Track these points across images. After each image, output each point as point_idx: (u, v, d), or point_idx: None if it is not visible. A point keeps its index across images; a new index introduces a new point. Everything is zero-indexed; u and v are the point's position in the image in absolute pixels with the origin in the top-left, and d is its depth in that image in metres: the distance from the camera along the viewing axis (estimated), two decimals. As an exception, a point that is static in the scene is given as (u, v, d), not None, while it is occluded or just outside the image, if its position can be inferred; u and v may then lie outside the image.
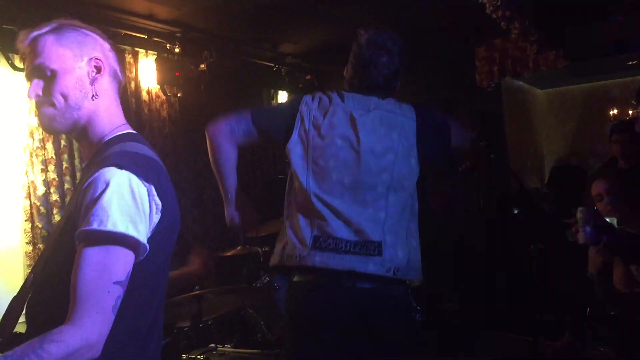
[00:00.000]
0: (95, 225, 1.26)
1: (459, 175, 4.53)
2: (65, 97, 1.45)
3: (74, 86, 1.46)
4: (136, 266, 1.32)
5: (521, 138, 7.36)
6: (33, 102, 1.51)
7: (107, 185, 1.30)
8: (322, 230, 2.08)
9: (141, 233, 1.32)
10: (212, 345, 3.45)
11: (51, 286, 1.38)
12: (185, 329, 3.47)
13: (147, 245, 1.33)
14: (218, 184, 2.39)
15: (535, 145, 8.07)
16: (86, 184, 1.34)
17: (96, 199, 1.29)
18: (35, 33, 1.48)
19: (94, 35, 1.53)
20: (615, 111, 7.52)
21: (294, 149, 2.18)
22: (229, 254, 4.40)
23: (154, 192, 1.37)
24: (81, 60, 1.47)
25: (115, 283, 1.26)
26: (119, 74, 1.58)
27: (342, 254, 2.06)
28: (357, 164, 2.12)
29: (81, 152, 1.61)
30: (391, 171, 2.14)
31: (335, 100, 2.27)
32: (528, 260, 5.45)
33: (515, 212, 5.90)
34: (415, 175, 2.20)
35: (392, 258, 2.07)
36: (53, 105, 1.46)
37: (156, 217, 1.38)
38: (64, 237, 1.38)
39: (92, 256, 1.25)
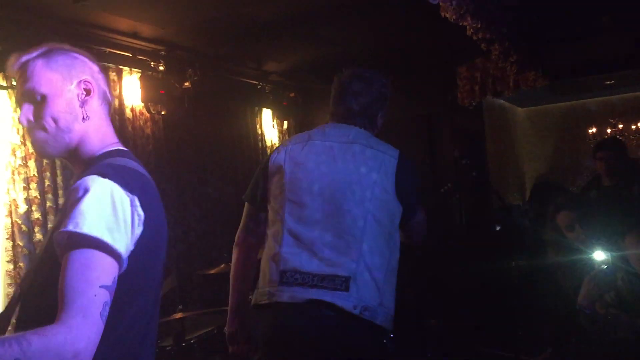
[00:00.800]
0: (70, 227, 1.26)
1: (441, 196, 4.58)
2: (55, 120, 1.46)
3: (64, 109, 1.47)
4: (122, 278, 1.32)
5: (502, 155, 7.46)
6: (18, 125, 1.53)
7: (87, 191, 1.31)
8: (289, 264, 2.08)
9: (117, 242, 1.30)
10: (195, 364, 3.43)
11: (39, 299, 1.37)
12: (168, 349, 3.45)
13: (122, 254, 1.32)
14: None
15: (516, 163, 8.18)
16: (69, 191, 1.35)
17: (75, 204, 1.29)
18: (25, 58, 1.49)
19: (83, 58, 1.55)
20: (594, 129, 7.66)
21: (272, 188, 2.23)
22: (212, 272, 4.38)
23: (137, 203, 1.37)
24: (70, 84, 1.49)
25: (102, 287, 1.24)
26: (108, 95, 1.59)
27: (308, 287, 2.04)
28: (332, 196, 2.11)
29: (73, 172, 1.61)
30: (368, 205, 2.11)
31: (315, 133, 2.30)
32: (509, 276, 5.51)
33: (497, 228, 5.96)
34: (395, 212, 2.18)
35: (360, 296, 2.02)
36: (44, 129, 1.47)
37: (138, 229, 1.37)
38: (50, 251, 1.37)
39: (76, 259, 1.25)
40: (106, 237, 1.28)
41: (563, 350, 3.85)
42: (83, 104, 1.50)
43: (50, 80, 1.47)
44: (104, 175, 1.34)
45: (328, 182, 2.13)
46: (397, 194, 2.16)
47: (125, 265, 1.34)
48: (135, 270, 1.36)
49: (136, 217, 1.36)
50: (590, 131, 7.67)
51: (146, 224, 1.39)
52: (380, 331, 2.10)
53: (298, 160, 2.19)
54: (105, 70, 1.59)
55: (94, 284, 1.23)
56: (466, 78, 5.54)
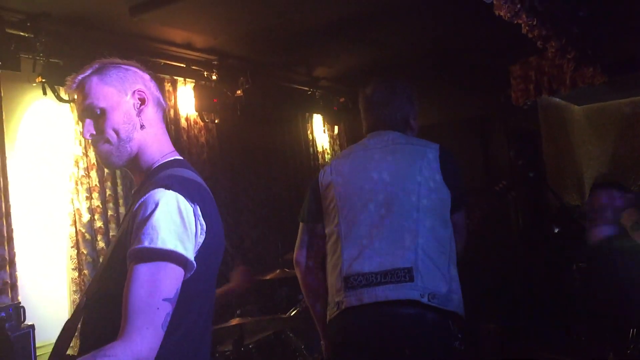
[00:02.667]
0: (146, 244, 1.31)
1: (495, 194, 4.49)
2: (117, 132, 1.53)
3: (123, 120, 1.53)
4: (183, 285, 1.36)
5: (560, 155, 7.25)
6: (88, 140, 1.59)
7: (157, 205, 1.36)
8: (351, 269, 2.13)
9: (189, 251, 1.36)
10: (254, 368, 3.47)
11: (103, 307, 1.42)
12: (227, 353, 3.49)
13: (194, 262, 1.38)
14: None
15: (574, 162, 7.94)
16: (137, 205, 1.40)
17: (146, 219, 1.35)
18: (81, 77, 1.57)
19: (134, 69, 1.61)
20: (656, 126, 7.37)
21: (325, 205, 2.31)
22: (267, 277, 4.42)
23: (199, 213, 1.41)
24: (125, 95, 1.55)
25: (165, 300, 1.30)
26: (162, 101, 1.64)
27: (374, 286, 2.07)
28: (382, 197, 2.17)
29: (133, 180, 1.66)
30: (418, 197, 2.16)
31: (356, 146, 2.41)
32: (570, 279, 5.35)
33: (556, 230, 5.79)
34: (446, 202, 2.21)
35: (425, 284, 2.05)
36: (108, 141, 1.54)
37: (201, 238, 1.42)
38: (115, 259, 1.43)
39: (143, 273, 1.30)
40: (179, 249, 1.33)
41: (625, 356, 3.71)
42: (139, 113, 1.56)
43: (106, 94, 1.53)
44: (168, 187, 1.39)
45: (376, 185, 2.20)
46: (444, 179, 2.21)
47: (193, 270, 1.38)
48: (197, 276, 1.41)
49: (199, 226, 1.41)
50: (652, 128, 7.39)
51: (207, 232, 1.43)
52: (454, 317, 2.12)
53: (345, 173, 2.28)
54: (159, 80, 1.64)
55: (159, 297, 1.29)
56: (520, 77, 5.43)
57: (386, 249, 2.11)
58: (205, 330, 1.52)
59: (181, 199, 1.38)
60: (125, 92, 1.55)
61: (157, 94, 1.63)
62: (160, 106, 1.63)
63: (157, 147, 1.58)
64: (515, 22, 2.94)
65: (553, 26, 3.11)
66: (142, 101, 1.56)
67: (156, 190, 1.39)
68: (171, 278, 1.32)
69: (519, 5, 2.76)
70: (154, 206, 1.36)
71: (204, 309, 1.49)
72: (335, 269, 2.18)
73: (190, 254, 1.36)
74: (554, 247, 5.58)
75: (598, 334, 4.60)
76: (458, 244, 2.28)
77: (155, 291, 1.29)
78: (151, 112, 1.59)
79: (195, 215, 1.40)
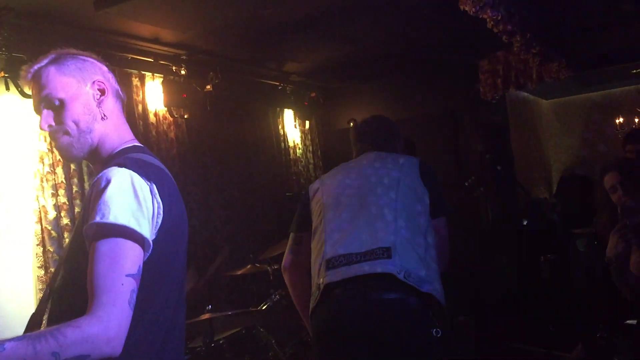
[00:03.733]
0: (97, 219, 1.30)
1: (465, 189, 4.55)
2: (77, 123, 1.51)
3: (83, 111, 1.51)
4: (145, 266, 1.34)
5: (528, 149, 7.36)
6: (46, 132, 1.56)
7: (109, 181, 1.35)
8: (333, 252, 2.22)
9: (143, 227, 1.34)
10: (224, 364, 3.45)
11: (68, 296, 1.41)
12: (197, 349, 3.48)
13: (150, 241, 1.36)
14: None
15: (542, 156, 8.07)
16: (91, 185, 1.40)
17: (99, 195, 1.33)
18: (37, 66, 1.53)
19: (91, 59, 1.59)
20: (621, 119, 7.53)
21: (313, 210, 2.48)
22: (238, 273, 4.41)
23: (156, 191, 1.40)
24: (85, 86, 1.53)
25: (128, 275, 1.28)
26: (121, 93, 1.64)
27: (353, 264, 2.16)
28: (364, 189, 2.35)
29: (93, 171, 1.64)
30: (396, 192, 2.31)
31: (343, 164, 2.62)
32: (539, 271, 5.44)
33: (525, 223, 5.88)
34: (424, 203, 2.34)
35: (403, 263, 2.12)
36: (67, 133, 1.51)
37: (159, 218, 1.40)
38: (75, 247, 1.42)
39: (101, 250, 1.29)
40: (132, 224, 1.32)
41: (594, 344, 3.79)
42: (99, 103, 1.54)
43: (65, 84, 1.51)
44: (121, 165, 1.38)
45: (358, 181, 2.40)
46: (422, 180, 2.37)
47: (150, 250, 1.37)
48: (158, 258, 1.39)
49: (155, 205, 1.40)
50: (617, 121, 7.54)
51: (165, 212, 1.42)
52: (432, 302, 2.15)
53: (331, 181, 2.49)
54: (123, 74, 1.63)
55: (121, 273, 1.27)
56: (488, 72, 5.49)
57: (367, 233, 2.22)
58: (174, 320, 1.49)
59: (135, 176, 1.37)
60: (84, 82, 1.53)
61: (116, 85, 1.62)
62: (119, 97, 1.62)
63: (117, 136, 1.57)
64: (481, 17, 2.97)
65: (517, 21, 3.15)
66: (102, 92, 1.55)
67: (109, 168, 1.38)
68: (130, 253, 1.31)
69: (483, 0, 2.78)
70: (106, 182, 1.35)
71: (171, 297, 1.47)
72: (319, 256, 2.28)
73: (145, 230, 1.34)
74: (523, 240, 5.68)
75: (567, 324, 4.70)
76: (441, 253, 2.34)
77: (116, 266, 1.27)
78: (111, 103, 1.57)
79: (152, 193, 1.39)
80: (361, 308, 2.12)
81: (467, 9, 2.85)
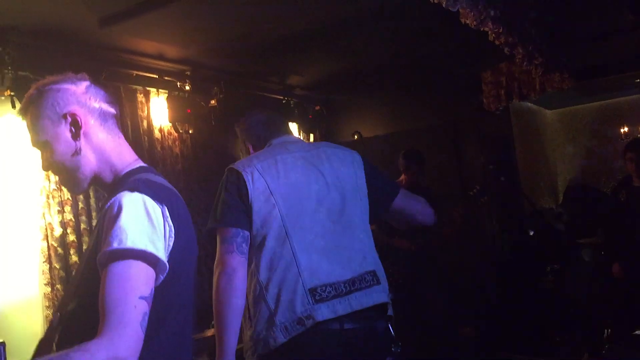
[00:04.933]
0: (115, 245, 1.28)
1: (469, 200, 4.54)
2: (62, 163, 1.50)
3: (64, 151, 1.49)
4: (158, 289, 1.34)
5: (533, 159, 7.35)
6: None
7: (122, 207, 1.33)
8: (316, 281, 1.97)
9: (159, 250, 1.33)
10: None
11: (80, 320, 1.39)
12: (203, 365, 3.47)
13: (167, 263, 1.35)
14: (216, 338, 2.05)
15: (547, 166, 8.05)
16: (103, 211, 1.38)
17: (113, 222, 1.32)
18: (22, 109, 1.53)
19: (65, 85, 1.51)
20: (626, 129, 7.52)
21: (259, 212, 2.08)
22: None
23: (167, 214, 1.39)
24: (59, 123, 1.48)
25: (141, 298, 1.26)
26: (109, 109, 1.55)
27: (344, 296, 1.98)
28: (329, 202, 2.11)
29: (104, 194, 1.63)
30: (359, 203, 2.19)
31: (275, 150, 2.24)
32: (544, 281, 5.42)
33: (531, 233, 5.87)
34: (367, 207, 2.23)
35: (385, 285, 2.09)
36: (60, 172, 1.53)
37: (170, 240, 1.40)
38: (88, 272, 1.40)
39: (116, 272, 1.27)
40: (150, 248, 1.31)
41: (601, 354, 3.77)
42: (76, 137, 1.48)
43: (43, 127, 1.49)
44: (133, 190, 1.37)
45: (322, 192, 2.12)
46: (367, 184, 2.23)
47: (166, 272, 1.36)
48: (169, 280, 1.38)
49: (167, 227, 1.39)
50: (622, 130, 7.53)
51: (177, 235, 1.41)
52: (391, 320, 2.14)
53: (281, 178, 2.11)
54: (98, 84, 1.57)
55: (133, 295, 1.26)
56: (491, 83, 5.50)
57: (345, 255, 2.04)
58: (183, 340, 1.49)
59: (148, 199, 1.36)
60: (58, 119, 1.47)
61: (98, 104, 1.52)
62: (105, 117, 1.53)
63: (116, 157, 1.53)
64: (482, 29, 2.99)
65: (519, 33, 3.17)
66: (76, 124, 1.48)
67: (121, 193, 1.37)
68: (144, 276, 1.29)
69: (484, 14, 2.80)
70: (119, 208, 1.33)
71: (180, 317, 1.47)
72: (293, 281, 1.97)
73: (161, 253, 1.33)
74: (528, 250, 5.66)
75: (572, 334, 4.67)
76: (427, 213, 2.34)
77: (130, 289, 1.26)
78: (93, 128, 1.50)
79: (163, 215, 1.38)
80: (367, 344, 2.00)
81: (468, 22, 2.87)
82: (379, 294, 2.03)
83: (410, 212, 2.33)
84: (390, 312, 2.10)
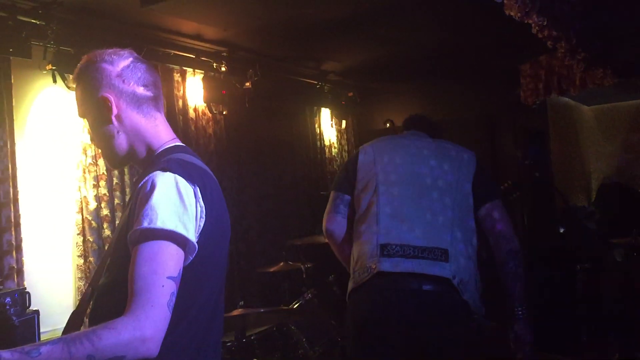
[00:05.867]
0: (145, 224, 1.30)
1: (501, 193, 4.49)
2: (99, 140, 1.55)
3: (100, 129, 1.52)
4: (187, 269, 1.35)
5: (567, 155, 7.22)
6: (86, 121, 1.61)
7: (155, 186, 1.35)
8: (389, 238, 2.24)
9: (190, 232, 1.34)
10: (255, 360, 3.49)
11: (111, 295, 1.41)
12: (229, 344, 3.52)
13: (196, 244, 1.36)
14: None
15: (581, 163, 7.90)
16: (137, 189, 1.40)
17: (145, 201, 1.33)
18: (73, 81, 1.59)
19: (104, 64, 1.52)
20: (666, 128, 7.33)
21: (362, 179, 2.43)
22: (271, 270, 4.44)
23: (199, 194, 1.40)
24: (95, 104, 1.50)
25: (169, 278, 1.28)
26: (145, 92, 1.54)
27: (410, 258, 2.19)
28: (428, 182, 2.33)
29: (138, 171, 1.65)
30: (453, 192, 2.33)
31: (396, 138, 2.61)
32: (574, 280, 5.34)
33: (561, 230, 5.78)
34: (471, 202, 2.36)
35: (457, 268, 2.20)
36: (99, 147, 1.60)
37: (201, 221, 1.40)
38: (119, 248, 1.42)
39: (145, 251, 1.29)
40: (180, 229, 1.32)
41: (631, 357, 3.71)
42: (109, 120, 1.50)
43: (83, 104, 1.54)
44: (166, 169, 1.38)
45: (417, 171, 2.36)
46: (473, 186, 2.38)
47: (195, 253, 1.37)
48: (199, 261, 1.39)
49: (199, 208, 1.39)
50: (661, 130, 7.35)
51: (207, 215, 1.41)
52: (468, 307, 2.26)
53: (387, 153, 2.43)
54: (136, 62, 1.57)
55: (162, 275, 1.27)
56: (530, 76, 5.40)
57: (424, 227, 2.24)
58: (212, 324, 1.49)
59: (180, 179, 1.37)
60: (95, 100, 1.50)
61: (132, 87, 1.51)
62: (139, 100, 1.52)
63: (152, 138, 1.54)
64: (526, 21, 2.93)
65: (563, 27, 3.10)
66: (108, 108, 1.49)
67: (154, 173, 1.38)
68: (173, 257, 1.31)
69: (530, 5, 2.74)
70: (152, 188, 1.34)
71: (210, 300, 1.47)
72: (370, 236, 2.27)
73: (191, 234, 1.34)
74: (559, 248, 5.58)
75: (603, 335, 4.60)
76: (506, 236, 2.38)
77: (158, 268, 1.27)
78: (126, 111, 1.51)
79: (195, 196, 1.39)
80: (408, 292, 2.19)
81: (512, 14, 2.81)
82: (442, 269, 2.18)
83: (491, 223, 2.41)
84: (465, 294, 2.23)
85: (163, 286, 1.26)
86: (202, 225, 1.40)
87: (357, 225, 2.39)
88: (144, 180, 1.38)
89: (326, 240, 2.60)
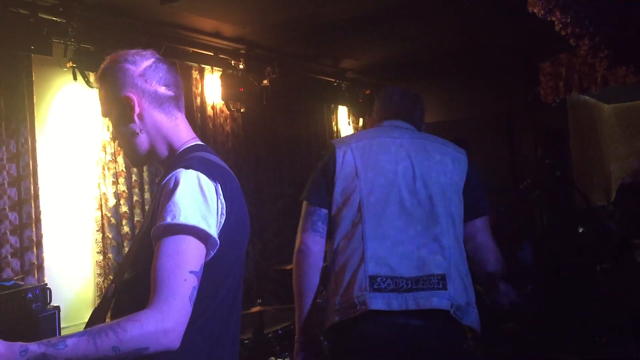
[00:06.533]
0: (169, 220, 1.32)
1: (520, 192, 4.44)
2: (121, 139, 1.56)
3: (122, 129, 1.54)
4: (208, 265, 1.37)
5: (587, 154, 7.14)
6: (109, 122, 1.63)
7: (178, 183, 1.37)
8: (378, 269, 1.96)
9: (212, 227, 1.36)
10: (272, 358, 3.49)
11: (135, 289, 1.43)
12: (246, 342, 3.52)
13: (217, 240, 1.38)
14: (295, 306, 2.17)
15: (601, 161, 7.82)
16: (160, 187, 1.42)
17: (169, 197, 1.36)
18: (96, 82, 1.61)
19: (127, 65, 1.53)
20: (688, 127, 7.22)
21: (343, 189, 2.09)
22: (288, 267, 4.44)
23: (220, 191, 1.42)
24: (118, 104, 1.52)
25: (191, 272, 1.30)
26: (166, 92, 1.55)
27: (403, 292, 1.93)
28: (416, 197, 2.04)
29: (159, 169, 1.66)
30: (448, 203, 2.06)
31: (378, 131, 2.23)
32: (593, 280, 5.28)
33: (581, 230, 5.72)
34: (462, 210, 2.12)
35: (455, 294, 1.95)
36: (121, 146, 1.60)
37: (222, 218, 1.42)
38: (144, 245, 1.44)
39: (168, 245, 1.31)
40: (202, 225, 1.34)
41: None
42: (131, 120, 1.52)
43: (106, 104, 1.55)
44: (188, 167, 1.40)
45: (409, 184, 2.05)
46: (464, 190, 2.12)
47: (216, 248, 1.39)
48: (220, 256, 1.41)
49: (219, 205, 1.41)
50: (683, 129, 7.24)
51: (228, 212, 1.43)
52: (464, 333, 2.03)
53: (371, 160, 2.08)
54: (157, 62, 1.57)
55: (185, 269, 1.30)
56: (550, 74, 5.33)
57: (417, 251, 1.98)
58: (230, 318, 1.51)
59: (202, 176, 1.39)
60: (117, 100, 1.52)
61: (154, 86, 1.53)
62: (161, 99, 1.54)
63: (173, 137, 1.56)
64: (549, 19, 2.89)
65: (586, 24, 3.06)
66: (131, 108, 1.51)
67: (177, 170, 1.40)
68: (196, 252, 1.33)
69: (553, 2, 2.71)
70: (175, 185, 1.37)
71: (229, 296, 1.49)
72: (357, 264, 1.98)
73: (213, 230, 1.36)
74: (578, 247, 5.52)
75: (623, 338, 4.54)
76: (496, 258, 2.18)
77: (181, 263, 1.30)
78: (149, 111, 1.52)
79: (216, 193, 1.41)
80: (405, 332, 1.95)
81: (535, 11, 2.78)
82: (440, 300, 1.93)
83: (476, 242, 2.19)
84: (465, 319, 1.98)
85: (185, 280, 1.28)
86: (222, 221, 1.42)
87: (339, 246, 2.05)
88: (168, 178, 1.40)
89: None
